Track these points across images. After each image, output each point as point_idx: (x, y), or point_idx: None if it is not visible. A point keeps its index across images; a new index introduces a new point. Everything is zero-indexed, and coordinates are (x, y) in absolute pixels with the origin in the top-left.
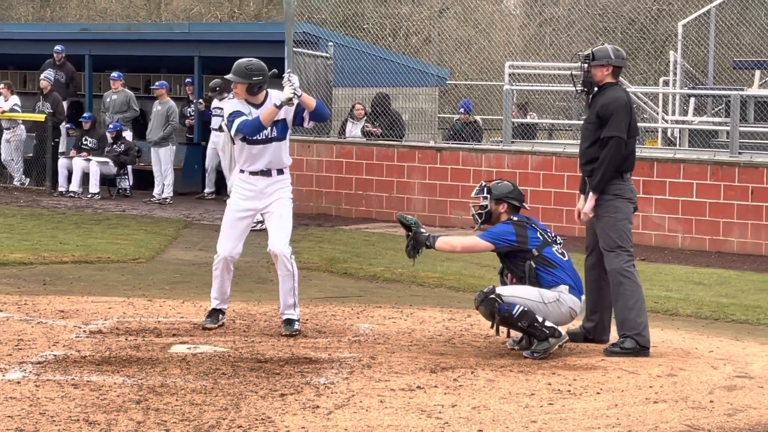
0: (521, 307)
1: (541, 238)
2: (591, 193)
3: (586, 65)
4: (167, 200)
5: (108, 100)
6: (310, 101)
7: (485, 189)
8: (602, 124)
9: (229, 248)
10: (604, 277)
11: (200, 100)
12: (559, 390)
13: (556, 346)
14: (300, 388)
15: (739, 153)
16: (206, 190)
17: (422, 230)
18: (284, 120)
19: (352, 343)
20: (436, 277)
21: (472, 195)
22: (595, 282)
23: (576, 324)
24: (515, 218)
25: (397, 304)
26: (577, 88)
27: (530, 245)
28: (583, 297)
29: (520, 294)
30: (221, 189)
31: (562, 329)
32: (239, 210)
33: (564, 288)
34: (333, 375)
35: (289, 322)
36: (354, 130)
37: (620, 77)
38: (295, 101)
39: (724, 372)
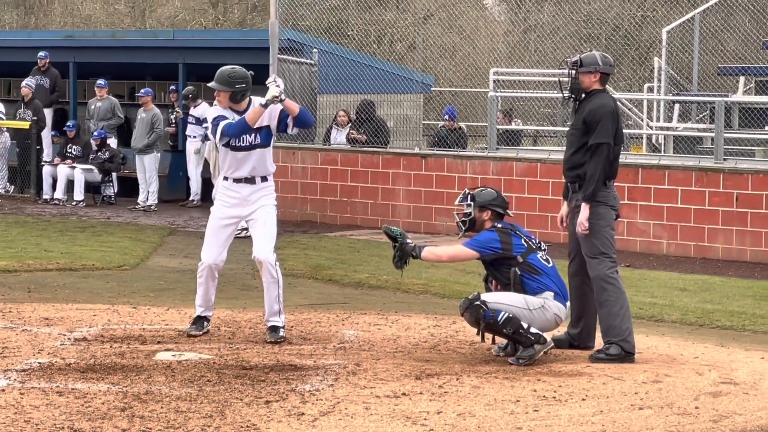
0: (506, 314)
1: (526, 244)
2: (584, 204)
3: (573, 72)
4: (152, 207)
5: (93, 107)
6: (294, 106)
7: (469, 196)
8: (588, 130)
9: (214, 256)
10: (587, 283)
11: (177, 110)
12: (544, 396)
13: (541, 353)
14: (285, 395)
15: (724, 159)
16: (191, 197)
17: (408, 241)
18: (268, 127)
19: (338, 350)
20: (422, 284)
21: (456, 203)
22: (579, 288)
23: (561, 330)
24: (499, 225)
25: (383, 310)
26: (565, 95)
27: (515, 252)
28: (568, 303)
29: (505, 300)
30: (206, 196)
31: (548, 336)
32: (223, 217)
33: (549, 294)
34: (318, 382)
35: (274, 329)
36: (338, 137)
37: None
38: (279, 104)
39: (709, 378)
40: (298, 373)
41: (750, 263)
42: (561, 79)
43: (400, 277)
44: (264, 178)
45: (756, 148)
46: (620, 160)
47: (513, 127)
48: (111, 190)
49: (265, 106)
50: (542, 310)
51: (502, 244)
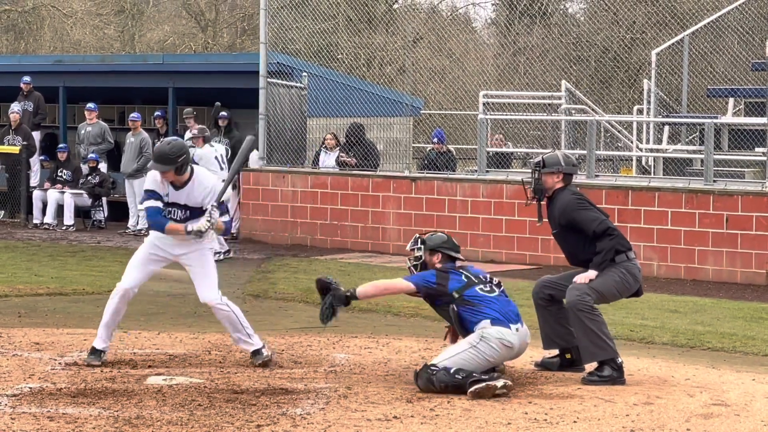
0: (455, 366)
1: (466, 280)
2: (592, 269)
3: (536, 172)
4: (142, 231)
5: (83, 131)
6: (221, 227)
7: (419, 240)
8: (571, 229)
9: (134, 280)
10: (560, 309)
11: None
12: (535, 419)
13: (489, 383)
14: (276, 419)
15: (714, 181)
16: None
17: (341, 288)
18: (201, 208)
19: (329, 373)
20: (412, 307)
21: (407, 248)
22: (548, 311)
23: (553, 352)
24: (439, 266)
25: (373, 333)
26: (529, 196)
27: (450, 288)
28: (517, 326)
29: (450, 353)
30: None
31: (507, 382)
32: (152, 252)
33: (485, 323)
34: (309, 405)
35: (255, 353)
36: (327, 160)
37: (593, 109)
38: (206, 236)
39: (700, 400)
40: (289, 397)
41: (740, 285)
42: (524, 179)
43: (324, 328)
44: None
45: (746, 169)
46: (610, 182)
47: (503, 149)
48: (101, 215)
49: (188, 233)
50: (483, 341)
51: (438, 279)
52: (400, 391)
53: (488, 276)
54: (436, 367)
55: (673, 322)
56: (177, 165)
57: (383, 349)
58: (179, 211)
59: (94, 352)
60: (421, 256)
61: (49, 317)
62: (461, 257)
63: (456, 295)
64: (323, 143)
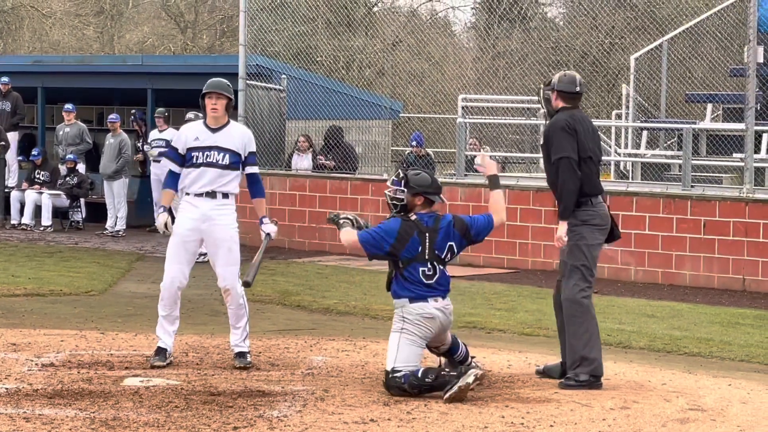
0: (421, 368)
1: (419, 251)
2: (560, 221)
3: (549, 92)
4: (120, 233)
5: (61, 132)
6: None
7: (403, 182)
8: (549, 151)
9: (177, 273)
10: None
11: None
12: (512, 423)
13: (464, 383)
14: (253, 421)
15: (692, 186)
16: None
17: (344, 218)
18: (240, 155)
19: (306, 375)
20: (389, 310)
21: (389, 184)
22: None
23: (556, 360)
24: (414, 217)
25: (351, 336)
26: (546, 118)
27: (401, 256)
28: (437, 298)
29: (392, 349)
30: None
31: (477, 372)
32: (184, 233)
33: (403, 302)
34: (286, 408)
35: (241, 354)
36: (300, 162)
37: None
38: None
39: (676, 405)
40: (266, 399)
41: (717, 290)
42: (541, 98)
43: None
44: (225, 195)
45: (723, 175)
46: None
47: (482, 153)
48: (79, 216)
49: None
50: (406, 323)
51: (395, 242)
52: (377, 394)
53: (444, 249)
54: (399, 370)
55: (650, 327)
56: (231, 96)
57: (360, 352)
58: (217, 154)
59: (158, 352)
60: (403, 198)
61: (25, 318)
62: (441, 198)
63: (401, 265)
64: (296, 145)
